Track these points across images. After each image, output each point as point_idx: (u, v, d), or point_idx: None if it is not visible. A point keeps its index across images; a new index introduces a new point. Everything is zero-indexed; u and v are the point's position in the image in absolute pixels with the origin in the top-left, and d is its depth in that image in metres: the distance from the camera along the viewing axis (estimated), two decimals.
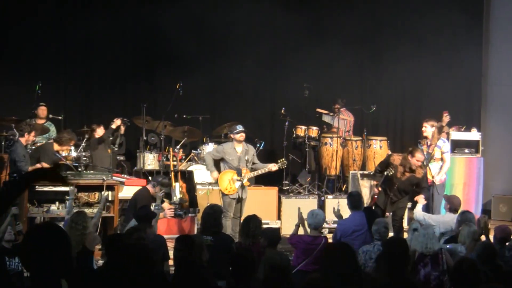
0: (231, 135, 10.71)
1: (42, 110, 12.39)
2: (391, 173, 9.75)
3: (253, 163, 10.61)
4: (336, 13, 14.15)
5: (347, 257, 4.74)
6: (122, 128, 12.41)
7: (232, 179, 10.34)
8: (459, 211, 8.65)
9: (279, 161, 10.72)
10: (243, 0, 13.48)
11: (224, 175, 10.42)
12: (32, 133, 10.27)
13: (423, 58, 14.35)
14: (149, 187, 9.81)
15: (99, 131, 12.01)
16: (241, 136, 10.52)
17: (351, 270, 4.68)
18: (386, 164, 10.07)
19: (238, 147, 10.53)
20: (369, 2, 14.69)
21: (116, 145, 12.60)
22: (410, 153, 9.83)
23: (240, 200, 10.32)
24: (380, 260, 5.52)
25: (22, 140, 10.08)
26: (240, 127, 10.55)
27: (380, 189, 9.99)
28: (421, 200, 9.65)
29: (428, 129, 11.10)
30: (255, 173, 10.63)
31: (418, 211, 9.40)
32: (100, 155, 11.84)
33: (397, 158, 9.97)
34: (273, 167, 10.62)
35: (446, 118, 12.52)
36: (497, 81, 14.30)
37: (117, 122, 11.99)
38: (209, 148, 12.12)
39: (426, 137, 11.14)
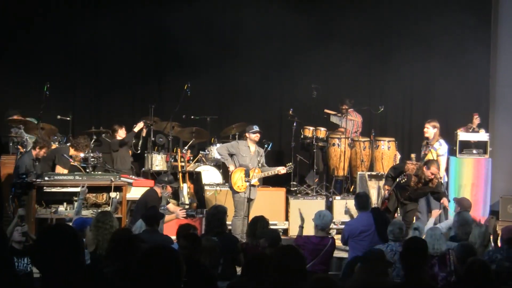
0: (247, 134, 10.89)
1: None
2: (403, 180, 9.80)
3: (262, 165, 10.74)
4: (344, 14, 14.13)
5: (294, 260, 4.77)
6: (145, 131, 12.36)
7: (243, 176, 10.44)
8: (455, 213, 8.62)
9: (287, 165, 11.00)
10: (251, 2, 13.50)
11: (236, 172, 10.55)
12: (43, 150, 10.26)
13: (431, 59, 14.31)
14: (157, 188, 9.83)
15: (121, 132, 12.02)
16: (257, 137, 10.79)
17: (299, 274, 4.70)
18: (400, 171, 10.12)
19: (252, 147, 10.76)
20: (377, 3, 14.68)
21: (139, 147, 12.53)
22: (425, 165, 9.86)
23: (249, 201, 10.39)
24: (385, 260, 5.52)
25: (33, 152, 10.13)
26: (256, 128, 10.81)
27: (392, 193, 10.03)
28: (434, 213, 9.69)
29: (430, 130, 11.11)
30: (264, 174, 10.82)
31: (429, 225, 9.34)
32: (122, 156, 11.86)
33: (411, 168, 9.97)
34: (282, 169, 10.82)
35: (476, 120, 12.34)
36: (505, 82, 14.23)
37: (139, 125, 12.00)
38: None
39: (427, 138, 11.16)
